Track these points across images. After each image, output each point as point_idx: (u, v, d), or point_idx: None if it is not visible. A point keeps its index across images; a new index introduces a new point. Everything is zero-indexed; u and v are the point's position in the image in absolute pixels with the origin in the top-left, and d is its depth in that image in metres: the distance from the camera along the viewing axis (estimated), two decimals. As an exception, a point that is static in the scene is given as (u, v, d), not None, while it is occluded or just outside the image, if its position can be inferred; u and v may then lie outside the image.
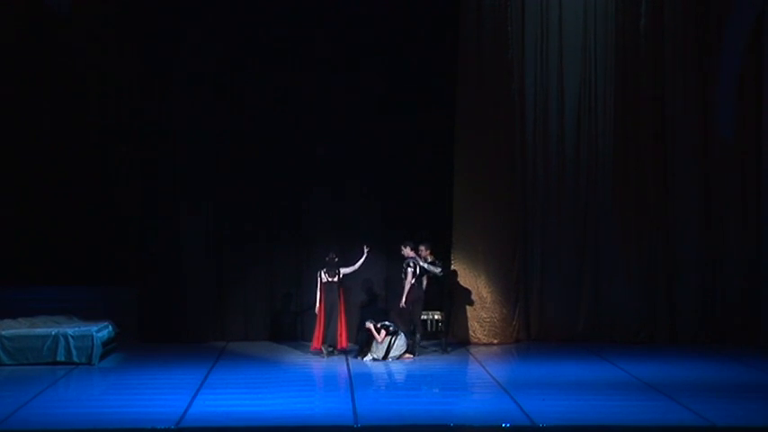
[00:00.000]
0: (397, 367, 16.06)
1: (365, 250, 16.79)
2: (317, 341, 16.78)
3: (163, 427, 11.83)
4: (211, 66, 18.08)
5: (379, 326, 16.57)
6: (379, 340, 16.42)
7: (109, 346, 16.58)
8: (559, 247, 18.29)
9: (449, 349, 17.17)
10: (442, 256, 17.56)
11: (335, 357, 16.64)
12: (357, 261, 16.82)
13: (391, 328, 16.57)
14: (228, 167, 18.15)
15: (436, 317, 17.65)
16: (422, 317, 17.12)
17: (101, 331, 16.27)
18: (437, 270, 16.87)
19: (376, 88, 18.22)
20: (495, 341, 17.89)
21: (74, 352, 15.88)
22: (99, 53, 19.06)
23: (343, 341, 16.86)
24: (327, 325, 16.64)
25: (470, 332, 17.91)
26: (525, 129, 18.30)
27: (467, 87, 17.98)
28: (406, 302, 16.72)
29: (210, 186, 18.12)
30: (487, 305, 17.91)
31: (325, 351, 16.66)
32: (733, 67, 18.06)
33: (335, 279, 16.73)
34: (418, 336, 16.77)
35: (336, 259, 16.85)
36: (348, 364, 16.11)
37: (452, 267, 17.85)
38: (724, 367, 15.90)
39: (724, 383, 14.58)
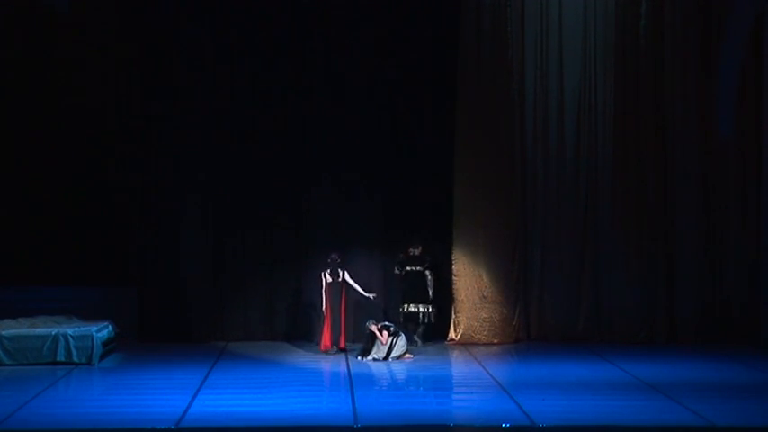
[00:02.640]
0: (397, 367, 16.05)
1: (372, 296, 17.13)
2: (326, 340, 16.91)
3: (163, 427, 11.82)
4: (212, 65, 18.10)
5: (379, 326, 16.58)
6: (384, 341, 16.42)
7: (109, 346, 16.58)
8: (559, 247, 18.29)
9: (418, 343, 17.43)
10: (441, 257, 17.81)
11: (336, 357, 16.67)
12: (360, 288, 17.05)
13: (392, 329, 16.57)
14: (229, 167, 18.17)
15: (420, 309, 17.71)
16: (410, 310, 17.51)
17: (101, 331, 16.27)
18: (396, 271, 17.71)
19: (376, 88, 18.23)
20: (496, 341, 17.88)
21: (74, 352, 15.88)
22: (99, 53, 19.03)
23: (341, 341, 16.96)
24: (332, 324, 16.79)
25: (470, 332, 17.90)
26: (525, 129, 18.31)
27: (467, 87, 17.99)
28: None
29: (211, 186, 18.13)
30: (488, 305, 17.91)
31: (333, 350, 16.85)
32: (733, 66, 18.05)
33: (339, 279, 16.89)
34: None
35: (339, 260, 16.96)
36: (348, 364, 16.11)
37: (453, 266, 17.91)
38: (724, 367, 15.89)
39: (724, 383, 14.57)
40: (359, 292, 17.11)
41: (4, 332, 15.90)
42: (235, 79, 18.17)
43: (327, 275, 16.92)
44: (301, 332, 18.17)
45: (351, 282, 17.04)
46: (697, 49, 18.14)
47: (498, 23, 18.02)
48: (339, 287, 16.90)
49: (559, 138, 18.34)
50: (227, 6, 18.15)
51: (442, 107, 18.14)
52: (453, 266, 17.90)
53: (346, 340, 17.09)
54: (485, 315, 17.90)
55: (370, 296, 17.16)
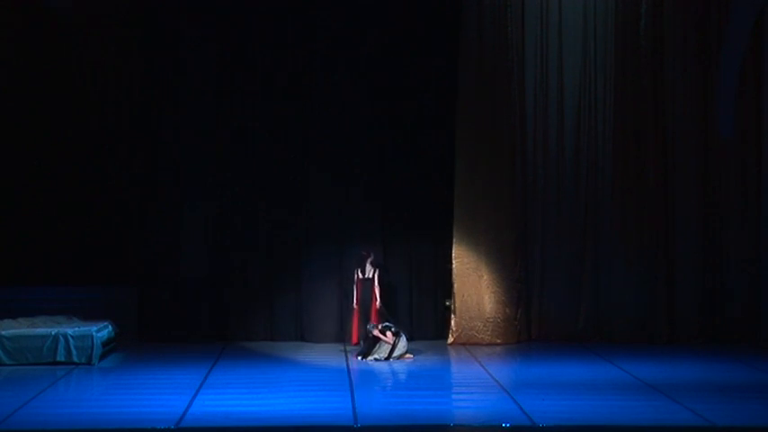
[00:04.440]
0: (397, 367, 16.06)
1: (378, 305, 17.41)
2: (355, 336, 17.39)
3: (163, 427, 11.83)
4: (212, 65, 18.12)
5: (381, 328, 16.58)
6: (389, 341, 16.43)
7: (109, 346, 16.59)
8: (559, 247, 18.29)
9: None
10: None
11: (336, 356, 16.70)
12: (378, 295, 17.39)
13: (393, 329, 16.58)
14: (228, 167, 18.18)
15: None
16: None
17: (101, 331, 16.27)
18: None
19: (376, 88, 18.23)
20: (499, 341, 17.86)
21: (74, 352, 15.88)
22: (99, 53, 19.04)
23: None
24: (361, 319, 17.26)
25: (473, 332, 17.89)
26: (525, 129, 18.31)
27: (467, 87, 17.98)
28: None
29: (211, 186, 18.14)
30: (490, 305, 17.91)
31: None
32: (733, 67, 18.05)
33: (369, 276, 17.38)
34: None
35: (368, 257, 17.43)
36: (348, 364, 16.12)
37: (454, 266, 17.97)
38: (724, 367, 15.89)
39: (724, 383, 14.57)
40: (374, 297, 17.45)
41: (4, 332, 15.90)
42: (235, 79, 18.17)
43: (359, 272, 17.41)
44: (301, 332, 18.18)
45: (375, 284, 17.43)
46: (697, 49, 18.15)
47: (498, 23, 18.02)
48: (370, 284, 17.36)
49: (559, 138, 18.35)
50: (228, 10, 18.13)
51: (442, 107, 18.14)
52: (454, 266, 17.91)
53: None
54: (487, 315, 17.89)
55: (378, 305, 17.39)
